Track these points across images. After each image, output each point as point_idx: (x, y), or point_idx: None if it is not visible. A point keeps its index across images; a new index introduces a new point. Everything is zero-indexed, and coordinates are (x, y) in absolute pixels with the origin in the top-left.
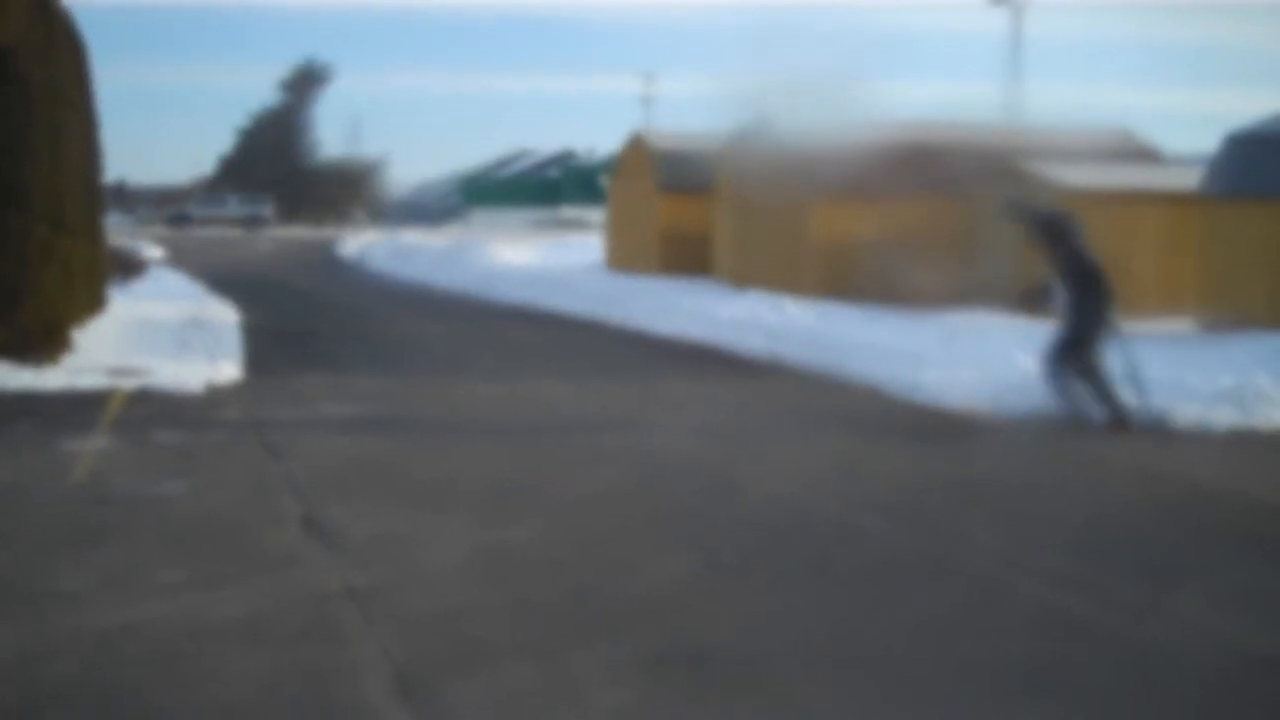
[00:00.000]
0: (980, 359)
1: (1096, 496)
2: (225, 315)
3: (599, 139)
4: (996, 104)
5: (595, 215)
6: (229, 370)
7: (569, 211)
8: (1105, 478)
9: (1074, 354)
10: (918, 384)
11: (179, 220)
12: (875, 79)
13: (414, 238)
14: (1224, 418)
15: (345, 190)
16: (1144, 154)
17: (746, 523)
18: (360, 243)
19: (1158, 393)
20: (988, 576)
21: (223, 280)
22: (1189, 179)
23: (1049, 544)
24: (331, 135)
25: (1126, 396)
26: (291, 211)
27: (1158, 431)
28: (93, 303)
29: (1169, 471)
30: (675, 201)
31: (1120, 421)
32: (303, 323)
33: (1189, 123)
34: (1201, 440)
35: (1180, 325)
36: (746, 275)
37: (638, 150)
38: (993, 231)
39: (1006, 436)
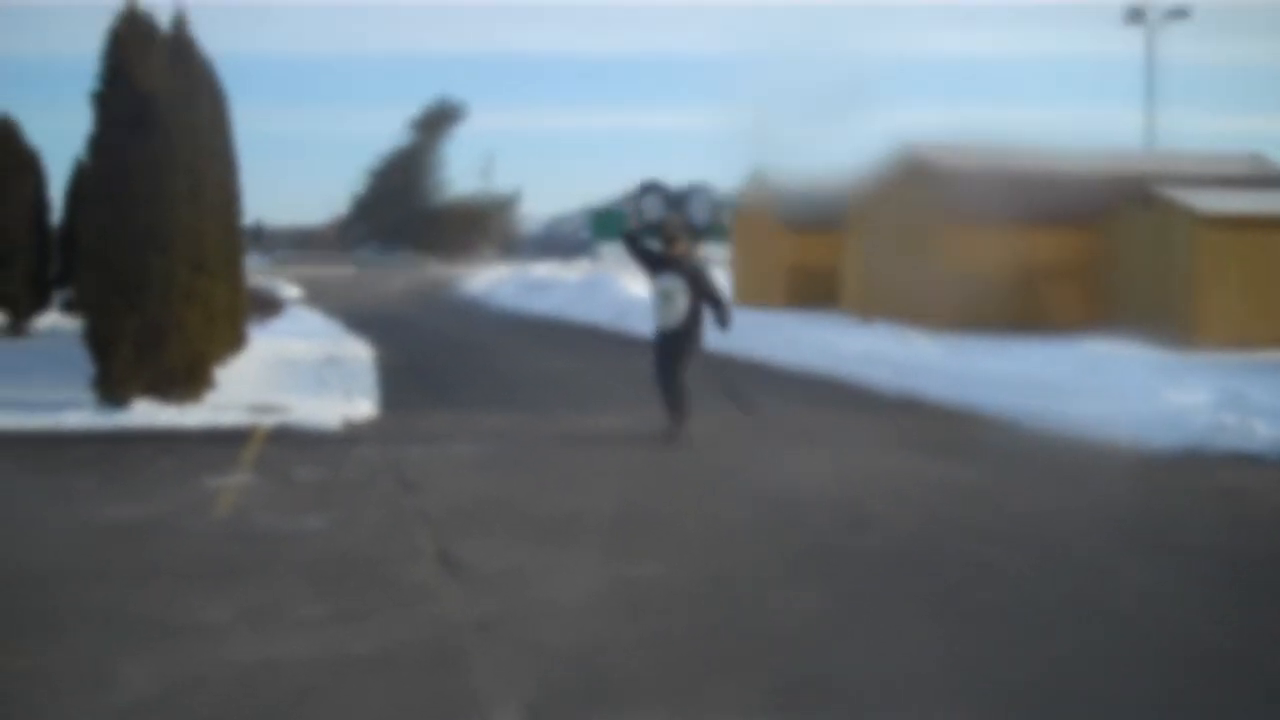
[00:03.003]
0: (1121, 390)
1: (1241, 532)
2: (360, 352)
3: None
4: (1130, 128)
5: (720, 249)
6: (365, 407)
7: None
8: (1250, 512)
9: (681, 362)
10: (1057, 416)
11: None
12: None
13: (545, 272)
14: None
15: (476, 226)
16: (1278, 180)
17: (878, 556)
18: (490, 279)
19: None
20: (1128, 612)
21: (356, 319)
22: None
23: (1193, 579)
24: (463, 173)
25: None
26: (423, 249)
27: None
28: (233, 341)
29: None
30: (798, 235)
31: (676, 436)
32: (435, 360)
33: None
34: None
35: None
36: (872, 307)
37: (760, 185)
38: (1128, 259)
39: (1150, 470)
